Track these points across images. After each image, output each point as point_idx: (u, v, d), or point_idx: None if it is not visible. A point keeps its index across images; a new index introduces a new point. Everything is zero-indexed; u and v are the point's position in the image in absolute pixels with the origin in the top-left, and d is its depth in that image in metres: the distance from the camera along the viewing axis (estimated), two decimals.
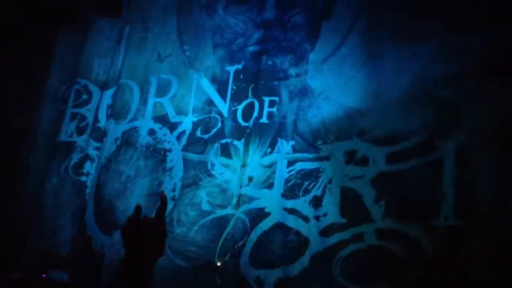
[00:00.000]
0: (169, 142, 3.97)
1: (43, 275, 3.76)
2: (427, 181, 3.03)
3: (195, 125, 3.93)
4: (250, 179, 3.58)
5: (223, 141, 3.80)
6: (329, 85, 3.55)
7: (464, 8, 3.17)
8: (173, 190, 3.80)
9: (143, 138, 4.06)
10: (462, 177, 2.95)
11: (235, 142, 3.76)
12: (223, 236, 3.53)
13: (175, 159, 3.89)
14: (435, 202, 2.96)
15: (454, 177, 2.97)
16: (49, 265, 3.87)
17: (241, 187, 3.59)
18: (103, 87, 4.40)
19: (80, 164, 4.25)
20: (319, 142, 3.46)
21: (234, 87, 3.92)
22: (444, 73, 3.14)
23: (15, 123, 4.47)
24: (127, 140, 4.13)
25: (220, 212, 3.62)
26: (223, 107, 3.91)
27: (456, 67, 3.10)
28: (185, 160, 3.86)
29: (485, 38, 3.05)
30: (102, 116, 4.31)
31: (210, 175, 3.75)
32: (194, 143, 3.89)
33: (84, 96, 4.46)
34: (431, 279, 2.87)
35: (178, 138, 3.95)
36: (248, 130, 3.73)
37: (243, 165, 3.65)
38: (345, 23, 3.63)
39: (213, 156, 3.79)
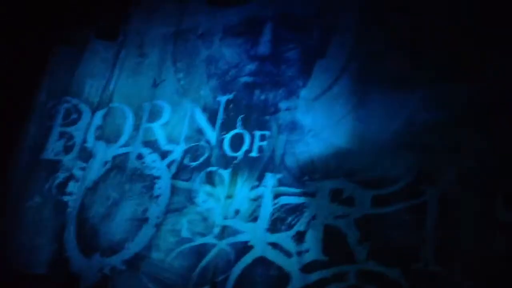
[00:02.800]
0: (158, 169, 3.96)
1: None
2: (410, 225, 3.06)
3: (184, 153, 3.94)
4: (237, 212, 3.59)
5: (209, 169, 3.82)
6: (319, 123, 3.60)
7: (451, 60, 3.28)
8: (158, 217, 3.78)
9: (131, 162, 4.05)
10: (444, 223, 3.00)
11: (221, 171, 3.77)
12: (201, 264, 3.52)
13: (163, 187, 3.88)
14: (417, 247, 2.99)
15: (436, 223, 3.01)
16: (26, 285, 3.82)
17: (226, 218, 3.59)
18: (94, 108, 4.40)
19: (64, 184, 4.21)
20: (306, 177, 3.49)
21: (224, 117, 3.96)
22: (431, 120, 3.22)
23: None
24: (118, 165, 4.12)
25: (199, 240, 3.61)
26: (212, 135, 3.93)
27: (443, 115, 3.19)
28: (172, 188, 3.86)
29: (470, 88, 3.16)
30: (90, 136, 4.30)
31: (193, 203, 3.75)
32: (182, 171, 3.89)
33: (74, 115, 4.45)
34: None
35: (169, 166, 3.94)
36: (236, 161, 3.75)
37: (229, 196, 3.66)
38: (338, 63, 3.71)
39: (197, 184, 3.80)
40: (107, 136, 4.25)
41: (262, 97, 3.87)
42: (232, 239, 3.52)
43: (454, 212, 3.00)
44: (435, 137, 3.18)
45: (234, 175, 3.71)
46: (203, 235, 3.61)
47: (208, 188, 3.76)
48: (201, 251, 3.57)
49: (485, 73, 3.17)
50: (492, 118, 3.08)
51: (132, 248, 3.77)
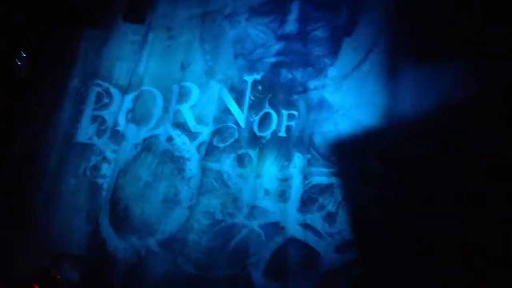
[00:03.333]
0: (188, 151, 4.00)
1: (56, 274, 3.83)
2: None
3: (213, 135, 3.96)
4: (267, 192, 3.61)
5: (239, 151, 3.83)
6: (348, 102, 3.57)
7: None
8: (190, 200, 3.83)
9: (162, 145, 4.10)
10: None
11: (250, 152, 3.79)
12: (232, 245, 3.58)
13: (194, 168, 3.92)
14: None
15: None
16: (62, 265, 3.94)
17: (255, 199, 3.62)
18: (124, 91, 4.44)
19: (97, 166, 4.30)
20: (335, 157, 3.48)
21: (252, 97, 3.95)
22: (470, 97, 3.13)
23: (37, 122, 4.54)
24: (148, 146, 4.16)
25: (230, 221, 3.66)
26: (239, 116, 3.94)
27: (475, 94, 3.12)
28: (203, 170, 3.89)
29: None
30: (121, 119, 4.35)
31: (225, 185, 3.78)
32: (211, 153, 3.91)
33: (105, 99, 4.50)
34: None
35: (198, 148, 3.97)
36: (264, 141, 3.75)
37: (258, 176, 3.68)
38: (367, 41, 3.65)
39: (228, 166, 3.82)
40: (138, 119, 4.28)
41: (290, 76, 3.85)
42: (262, 220, 3.55)
43: None
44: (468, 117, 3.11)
45: (262, 155, 3.73)
46: (233, 215, 3.66)
47: (238, 169, 3.77)
48: (231, 231, 3.63)
49: None
50: None
51: (166, 230, 3.83)
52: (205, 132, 4.01)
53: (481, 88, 3.10)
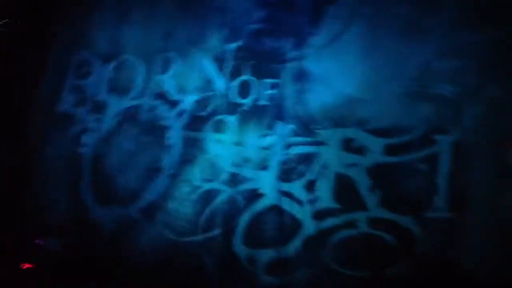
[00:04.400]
0: (169, 119, 3.98)
1: (37, 241, 3.82)
2: (422, 173, 3.11)
3: (194, 103, 3.94)
4: (247, 159, 3.63)
5: (218, 117, 3.83)
6: (330, 71, 3.56)
7: (469, 7, 3.22)
8: (171, 168, 3.84)
9: (144, 114, 4.07)
10: (456, 172, 3.03)
11: (229, 118, 3.79)
12: (209, 209, 3.62)
13: (175, 137, 3.91)
14: (429, 195, 3.05)
15: (449, 171, 3.05)
16: (44, 235, 3.93)
17: (234, 165, 3.64)
18: (105, 60, 4.37)
19: (78, 136, 4.25)
20: (317, 126, 3.49)
21: (232, 64, 3.92)
22: (447, 69, 3.18)
23: (16, 92, 4.45)
24: (129, 116, 4.13)
25: (207, 186, 3.69)
26: (220, 83, 3.91)
27: (458, 64, 3.15)
28: (184, 138, 3.88)
29: (488, 36, 3.11)
30: (102, 89, 4.30)
31: (203, 151, 3.79)
32: (193, 121, 3.90)
33: (85, 68, 4.43)
34: (419, 269, 2.99)
35: (179, 116, 3.95)
36: (245, 108, 3.75)
37: (238, 143, 3.69)
38: (349, 10, 3.62)
39: (208, 133, 3.82)
40: (119, 88, 4.23)
41: (272, 44, 3.81)
42: (241, 186, 3.58)
43: (466, 160, 3.02)
44: (449, 86, 3.16)
45: (242, 123, 3.73)
46: (210, 181, 3.69)
47: (217, 135, 3.78)
48: (208, 197, 3.67)
49: (503, 21, 3.11)
50: (508, 67, 3.04)
51: (147, 197, 3.86)
52: (186, 101, 3.98)
53: (460, 58, 3.14)
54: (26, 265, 3.64)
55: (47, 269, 3.67)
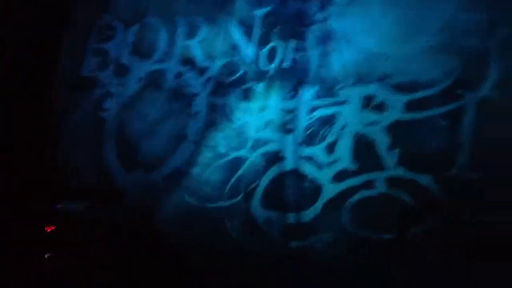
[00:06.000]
0: (196, 86, 3.95)
1: (61, 204, 3.90)
2: (445, 131, 2.95)
3: (220, 70, 3.89)
4: (269, 122, 3.56)
5: (246, 85, 3.76)
6: (352, 28, 3.43)
7: None
8: (196, 134, 3.82)
9: (170, 80, 4.06)
10: (482, 129, 2.86)
11: (257, 86, 3.72)
12: (235, 177, 3.58)
13: (200, 104, 3.88)
14: (451, 154, 2.89)
15: (473, 129, 2.87)
16: (66, 197, 4.00)
17: (259, 130, 3.58)
18: (127, 23, 4.36)
19: (101, 100, 4.28)
20: (339, 86, 3.38)
21: (260, 31, 3.84)
22: (474, 21, 2.99)
23: (38, 56, 4.51)
24: (153, 81, 4.13)
25: (234, 154, 3.64)
26: (247, 50, 3.84)
27: (487, 16, 2.95)
28: (210, 105, 3.85)
29: None
30: (125, 52, 4.30)
31: (229, 119, 3.75)
32: (218, 88, 3.86)
33: (108, 32, 4.45)
34: (441, 230, 2.85)
35: (206, 83, 3.92)
36: (270, 74, 3.67)
37: (263, 109, 3.63)
38: None
39: (234, 100, 3.77)
40: (142, 52, 4.22)
41: (297, 7, 3.71)
42: (263, 149, 3.52)
43: (492, 117, 2.84)
44: (475, 40, 2.97)
45: (268, 88, 3.66)
46: (238, 149, 3.63)
47: (244, 103, 3.72)
48: (235, 165, 3.61)
49: None
50: None
51: (172, 163, 3.85)
52: (212, 67, 3.93)
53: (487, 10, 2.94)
54: (51, 228, 3.72)
55: (71, 232, 3.74)
